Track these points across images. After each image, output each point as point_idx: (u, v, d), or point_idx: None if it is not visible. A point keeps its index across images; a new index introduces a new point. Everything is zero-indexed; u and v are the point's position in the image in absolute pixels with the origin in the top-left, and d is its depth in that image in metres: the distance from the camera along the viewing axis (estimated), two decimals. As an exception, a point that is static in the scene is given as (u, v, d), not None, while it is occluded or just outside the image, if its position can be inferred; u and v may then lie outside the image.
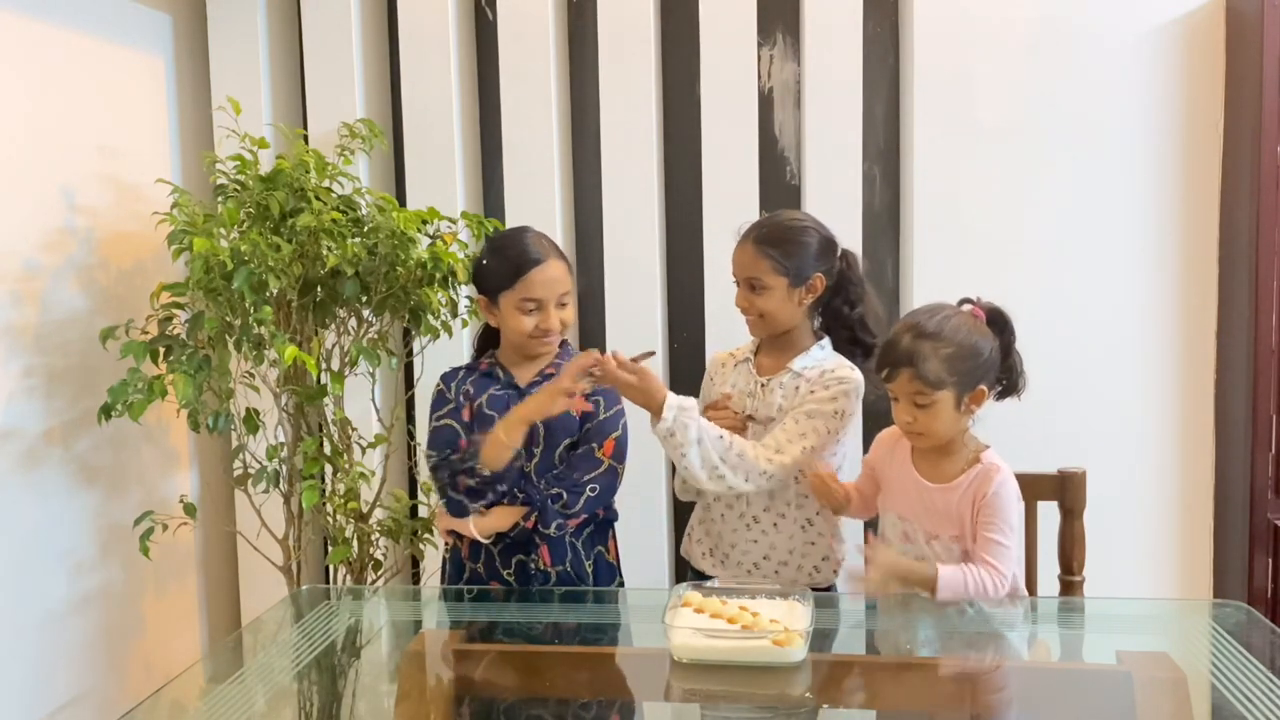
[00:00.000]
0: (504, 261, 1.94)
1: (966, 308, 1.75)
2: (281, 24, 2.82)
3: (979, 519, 1.69)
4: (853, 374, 1.96)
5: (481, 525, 1.91)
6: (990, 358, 1.70)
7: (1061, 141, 2.55)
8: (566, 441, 1.96)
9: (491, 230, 2.59)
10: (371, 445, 2.55)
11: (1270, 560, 2.41)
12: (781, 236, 1.94)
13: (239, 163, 2.39)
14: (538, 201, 2.73)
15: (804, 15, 2.63)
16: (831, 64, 2.61)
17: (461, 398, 1.99)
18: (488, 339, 2.09)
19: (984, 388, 1.69)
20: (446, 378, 2.05)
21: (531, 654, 1.68)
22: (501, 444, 1.86)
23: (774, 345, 2.03)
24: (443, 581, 2.08)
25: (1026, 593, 1.93)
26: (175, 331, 2.33)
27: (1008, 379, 1.76)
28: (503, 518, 1.92)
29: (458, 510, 1.93)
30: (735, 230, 2.02)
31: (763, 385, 2.00)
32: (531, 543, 1.93)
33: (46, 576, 2.36)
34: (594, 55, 2.73)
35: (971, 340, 1.68)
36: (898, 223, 2.70)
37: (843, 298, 2.01)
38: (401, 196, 2.80)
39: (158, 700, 1.50)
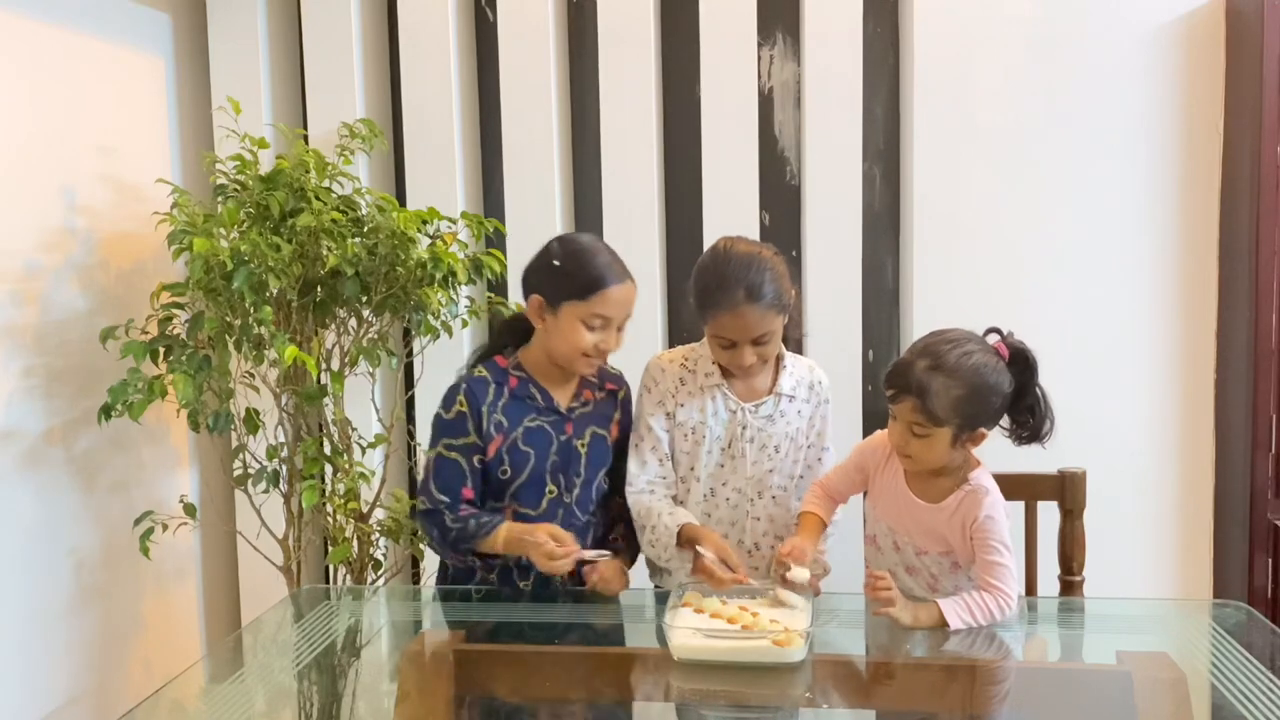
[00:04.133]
0: (584, 271, 1.79)
1: (993, 339, 1.68)
2: (281, 24, 2.82)
3: (974, 543, 1.69)
4: (823, 373, 1.99)
5: (604, 584, 1.85)
6: (1000, 403, 1.65)
7: (1061, 141, 2.55)
8: (603, 471, 1.94)
9: (492, 230, 2.59)
10: (371, 445, 2.55)
11: (1270, 560, 2.41)
12: (771, 279, 1.80)
13: (239, 163, 2.39)
14: (538, 201, 2.73)
15: (804, 15, 2.63)
16: (831, 64, 2.61)
17: (492, 429, 1.84)
18: (510, 334, 1.94)
19: (984, 430, 1.66)
20: (474, 394, 1.84)
21: (531, 654, 1.68)
22: (498, 551, 1.82)
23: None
24: (448, 581, 2.02)
25: (1025, 593, 1.94)
26: (175, 331, 2.33)
27: (1030, 423, 1.69)
28: (617, 574, 1.88)
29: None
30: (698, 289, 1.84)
31: (751, 412, 1.91)
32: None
33: (47, 576, 2.36)
34: (594, 55, 2.73)
35: (986, 383, 1.62)
36: (898, 223, 2.70)
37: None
38: (401, 196, 2.80)
39: (158, 700, 1.50)
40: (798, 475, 1.96)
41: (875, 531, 1.85)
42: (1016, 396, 1.67)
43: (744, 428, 1.91)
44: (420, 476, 2.68)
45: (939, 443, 1.66)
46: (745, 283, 1.78)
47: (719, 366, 1.91)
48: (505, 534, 1.79)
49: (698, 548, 1.76)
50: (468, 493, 1.85)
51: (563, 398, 1.90)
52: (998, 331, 1.70)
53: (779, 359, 1.94)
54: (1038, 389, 1.69)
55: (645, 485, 1.93)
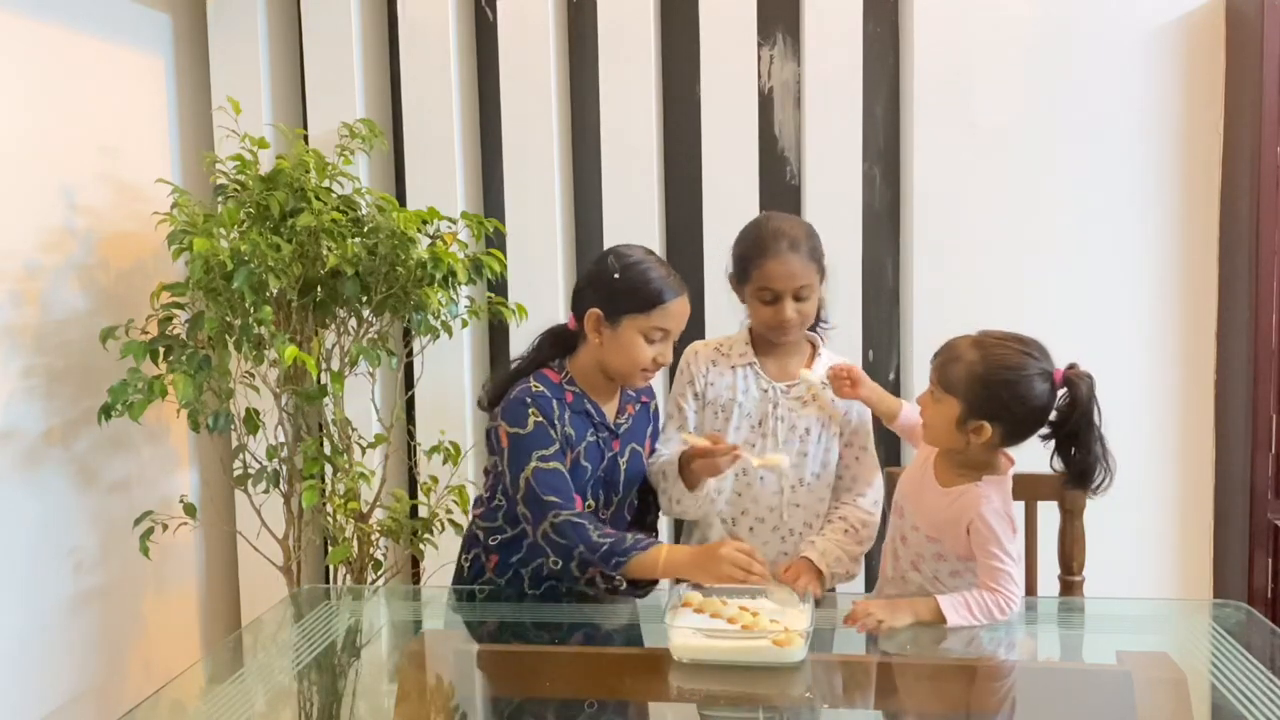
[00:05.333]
0: (644, 285, 1.77)
1: (1070, 369, 1.66)
2: (281, 24, 2.82)
3: (973, 544, 1.70)
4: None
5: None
6: (1015, 405, 1.64)
7: (1061, 141, 2.55)
8: (636, 487, 1.93)
9: (492, 230, 2.59)
10: (371, 445, 2.55)
11: (1270, 560, 2.41)
12: (809, 238, 1.90)
13: (239, 163, 2.39)
14: (538, 201, 2.73)
15: (804, 15, 2.63)
16: (831, 64, 2.61)
17: (563, 441, 1.79)
18: (554, 347, 1.89)
19: (988, 426, 1.65)
20: (543, 407, 1.78)
21: (531, 654, 1.68)
22: (654, 574, 1.73)
23: (777, 349, 1.96)
24: (463, 581, 1.98)
25: (1025, 593, 1.94)
26: (175, 331, 2.33)
27: (1073, 460, 1.67)
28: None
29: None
30: (729, 242, 1.93)
31: (784, 392, 1.93)
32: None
33: (47, 576, 2.36)
34: (594, 55, 2.73)
35: (1007, 378, 1.63)
36: (898, 223, 2.70)
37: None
38: (401, 196, 2.80)
39: (158, 700, 1.50)
40: (833, 470, 1.97)
41: (897, 495, 1.88)
42: (1057, 426, 1.67)
43: (775, 405, 1.93)
44: (419, 476, 2.70)
45: (945, 413, 1.68)
46: (787, 235, 1.87)
47: (753, 347, 1.95)
48: (667, 555, 1.71)
49: (683, 436, 1.83)
50: (579, 499, 1.78)
51: (610, 412, 1.88)
52: (1075, 365, 1.68)
53: (814, 348, 1.99)
54: (1092, 434, 1.65)
55: (665, 456, 1.93)
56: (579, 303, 1.85)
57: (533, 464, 1.75)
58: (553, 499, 1.74)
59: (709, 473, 1.81)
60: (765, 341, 1.96)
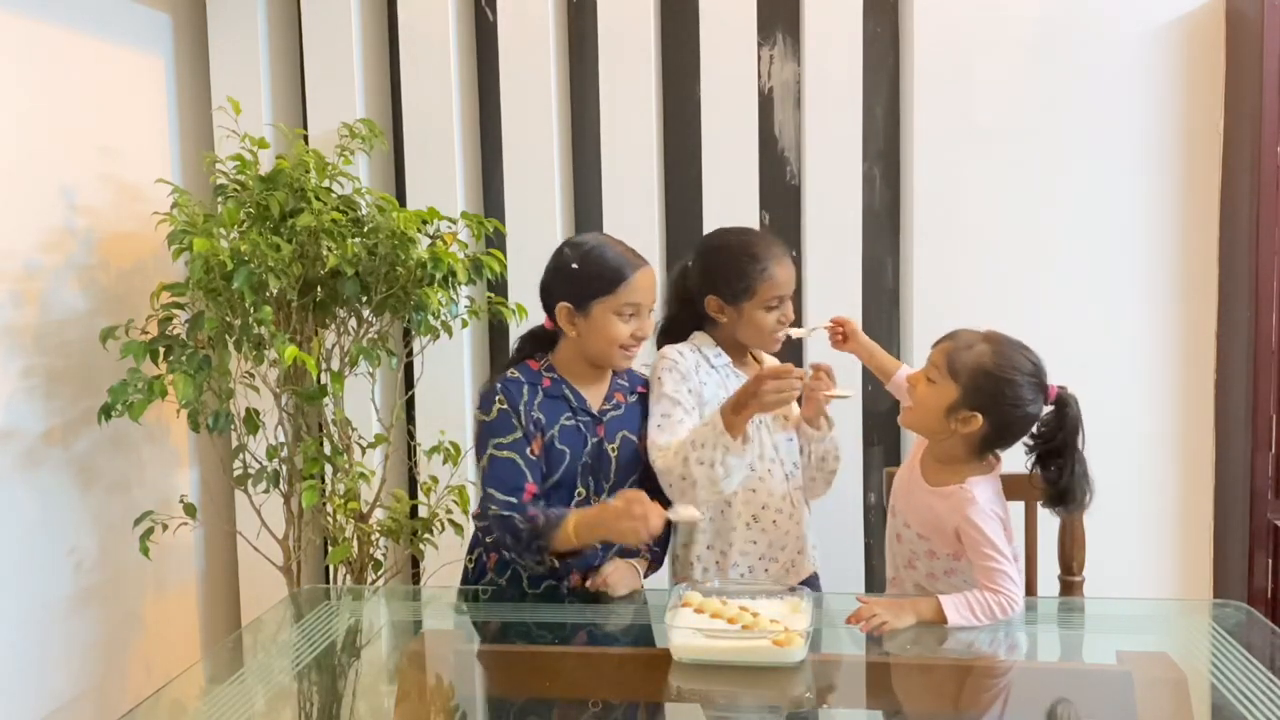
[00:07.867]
0: (604, 267, 1.80)
1: (1062, 388, 1.71)
2: (281, 24, 2.82)
3: (966, 548, 1.71)
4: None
5: (610, 585, 1.82)
6: (1011, 413, 1.67)
7: (1061, 141, 2.55)
8: (634, 476, 1.91)
9: (492, 230, 2.59)
10: (371, 445, 2.55)
11: (1270, 560, 2.41)
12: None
13: (239, 163, 2.39)
14: (538, 201, 2.73)
15: (804, 15, 2.63)
16: (831, 64, 2.61)
17: (532, 426, 1.80)
18: (533, 347, 1.92)
19: (979, 418, 1.67)
20: (510, 392, 1.81)
21: (531, 654, 1.68)
22: (571, 544, 1.72)
23: (740, 346, 2.00)
24: (467, 582, 1.98)
25: (1025, 593, 1.94)
26: (175, 331, 2.33)
27: (1058, 481, 1.70)
28: (624, 576, 1.84)
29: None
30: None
31: None
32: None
33: (47, 576, 2.36)
34: (594, 55, 2.73)
35: (1010, 379, 1.66)
36: (897, 223, 2.70)
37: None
38: (401, 196, 2.80)
39: (158, 700, 1.50)
40: (797, 457, 2.01)
41: (892, 495, 1.90)
42: (1044, 441, 1.71)
43: None
44: (419, 476, 2.70)
45: (939, 396, 1.70)
46: (776, 241, 1.95)
47: (724, 350, 1.98)
48: (575, 521, 1.71)
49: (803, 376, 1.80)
50: (531, 488, 1.78)
51: (594, 399, 1.88)
52: (1065, 387, 1.72)
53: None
54: (1076, 455, 1.69)
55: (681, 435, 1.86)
56: (547, 300, 1.87)
57: (489, 452, 1.79)
58: (492, 490, 1.76)
59: (779, 404, 1.74)
60: (729, 346, 1.99)
